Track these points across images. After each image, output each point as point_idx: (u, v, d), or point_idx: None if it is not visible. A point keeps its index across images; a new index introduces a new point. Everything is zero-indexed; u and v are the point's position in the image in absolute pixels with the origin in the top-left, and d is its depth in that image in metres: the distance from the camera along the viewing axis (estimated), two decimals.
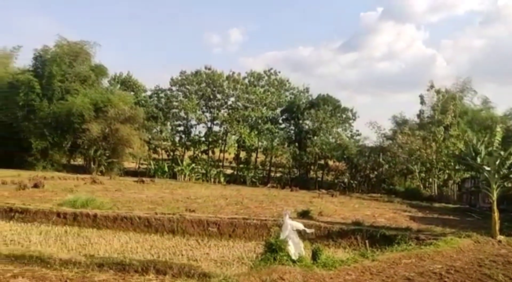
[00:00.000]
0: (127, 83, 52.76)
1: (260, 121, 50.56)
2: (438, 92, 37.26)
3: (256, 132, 49.96)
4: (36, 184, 19.66)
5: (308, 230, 8.08)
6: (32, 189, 18.71)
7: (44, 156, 38.93)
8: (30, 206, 11.28)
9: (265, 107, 51.12)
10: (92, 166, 40.11)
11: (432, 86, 37.51)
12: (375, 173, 41.54)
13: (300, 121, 48.35)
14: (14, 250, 7.04)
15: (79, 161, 46.63)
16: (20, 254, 6.81)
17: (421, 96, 38.55)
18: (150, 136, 45.46)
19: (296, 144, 47.47)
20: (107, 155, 40.04)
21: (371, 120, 49.03)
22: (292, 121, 50.09)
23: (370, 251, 9.16)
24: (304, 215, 14.07)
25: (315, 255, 7.67)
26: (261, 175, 48.73)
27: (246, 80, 51.48)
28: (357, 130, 49.41)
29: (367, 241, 10.98)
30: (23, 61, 48.60)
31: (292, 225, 7.70)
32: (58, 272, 6.32)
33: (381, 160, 39.42)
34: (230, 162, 54.07)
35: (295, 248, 7.41)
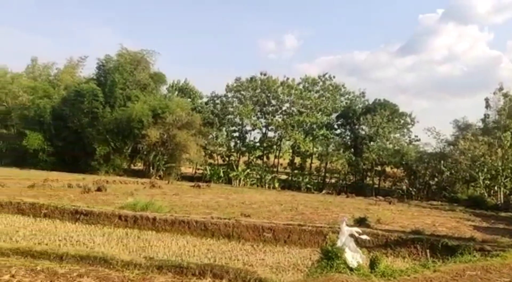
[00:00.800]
0: (184, 90, 54.19)
1: (315, 126, 50.17)
2: (505, 95, 35.23)
3: (311, 138, 49.62)
4: (99, 188, 20.55)
5: (363, 236, 7.86)
6: (96, 192, 19.57)
7: (107, 161, 40.67)
8: (94, 208, 11.78)
9: (320, 113, 50.68)
10: (151, 170, 41.40)
11: (501, 89, 35.47)
12: (435, 180, 39.88)
13: (356, 127, 47.43)
14: (80, 251, 7.38)
15: (139, 166, 48.29)
16: (85, 254, 7.12)
17: (487, 100, 36.54)
18: (206, 142, 46.27)
19: (352, 150, 46.59)
20: (165, 160, 41.18)
21: (430, 125, 47.38)
22: (348, 127, 49.20)
23: (431, 261, 8.77)
24: (361, 222, 13.74)
25: (373, 264, 7.45)
26: (316, 181, 48.24)
27: (301, 86, 51.29)
28: (416, 136, 47.78)
29: (427, 251, 10.55)
30: (88, 70, 51.20)
31: (349, 231, 7.53)
32: (120, 273, 6.55)
33: (442, 166, 37.81)
34: (285, 168, 54.04)
35: (353, 256, 7.23)
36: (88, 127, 40.47)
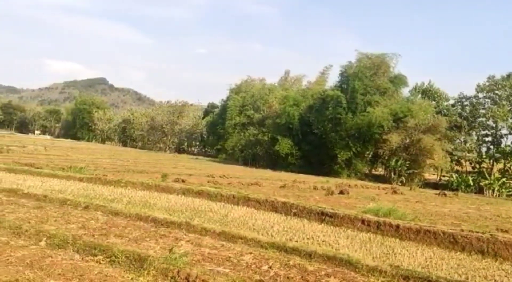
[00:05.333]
0: (428, 93, 51.44)
1: None
2: None
3: None
4: (342, 191, 21.21)
5: None
6: (338, 195, 20.26)
7: (348, 165, 41.81)
8: (338, 211, 12.17)
9: None
10: (393, 176, 40.64)
11: None
12: None
13: None
14: (327, 251, 7.71)
15: (380, 171, 48.04)
16: (332, 255, 7.40)
17: None
18: (452, 147, 42.88)
19: None
20: (407, 165, 39.83)
21: None
22: None
23: None
24: None
25: None
26: None
27: None
28: None
29: None
30: (334, 78, 53.97)
31: None
32: (365, 277, 6.57)
33: None
34: None
35: None
36: (331, 132, 42.42)
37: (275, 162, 46.29)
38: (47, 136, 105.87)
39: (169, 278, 5.66)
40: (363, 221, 11.57)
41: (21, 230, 7.54)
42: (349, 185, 26.38)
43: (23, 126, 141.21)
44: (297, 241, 8.62)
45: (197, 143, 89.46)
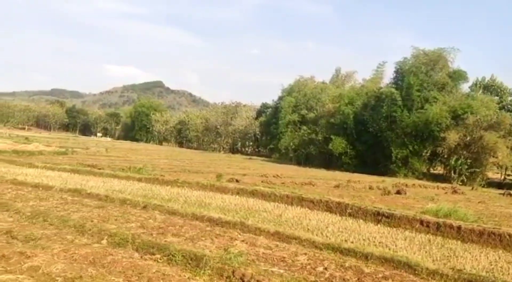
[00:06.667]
0: (490, 88, 49.03)
1: None
2: None
3: None
4: (399, 191, 20.61)
5: None
6: (395, 195, 19.72)
7: (405, 164, 40.62)
8: (395, 211, 11.83)
9: None
10: (452, 175, 39.01)
11: None
12: None
13: None
14: (384, 253, 7.51)
15: (439, 170, 46.33)
16: (389, 257, 7.20)
17: None
18: None
19: None
20: (468, 164, 38.11)
21: None
22: None
23: None
24: None
25: None
26: None
27: None
28: None
29: None
30: (389, 75, 52.73)
31: None
32: (425, 281, 6.35)
33: None
34: None
35: None
36: (386, 131, 41.39)
37: (329, 162, 45.80)
38: (108, 139, 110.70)
39: (224, 277, 5.74)
40: (421, 222, 11.19)
41: (84, 228, 7.91)
42: (406, 185, 25.61)
43: (86, 129, 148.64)
44: (352, 242, 8.47)
45: (251, 143, 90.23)
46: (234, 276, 5.69)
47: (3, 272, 5.16)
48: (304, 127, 53.72)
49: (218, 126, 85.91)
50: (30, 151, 30.62)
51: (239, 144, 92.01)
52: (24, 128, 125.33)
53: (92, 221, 8.72)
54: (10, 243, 6.68)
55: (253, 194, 14.42)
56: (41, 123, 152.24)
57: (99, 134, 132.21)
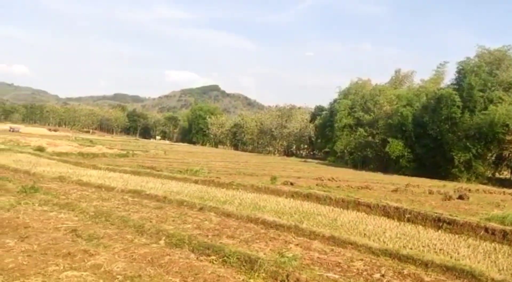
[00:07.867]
0: None
1: None
2: None
3: None
4: (461, 196, 19.67)
5: None
6: (457, 201, 18.83)
7: (468, 168, 38.77)
8: (457, 217, 11.32)
9: None
10: None
11: None
12: None
13: None
14: (445, 261, 7.19)
15: (505, 174, 43.92)
16: (451, 265, 6.88)
17: None
18: None
19: None
20: None
21: None
22: None
23: None
24: None
25: None
26: None
27: None
28: None
29: None
30: (451, 75, 50.83)
31: None
32: None
33: None
34: None
35: None
36: (447, 133, 39.75)
37: (386, 165, 44.58)
38: (166, 141, 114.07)
39: (279, 281, 5.72)
40: (486, 229, 10.63)
41: (143, 228, 8.17)
42: (469, 190, 24.42)
43: (146, 132, 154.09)
44: (411, 249, 8.18)
45: (305, 146, 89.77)
46: (288, 280, 5.65)
47: (69, 269, 5.44)
48: (361, 129, 52.70)
49: (273, 129, 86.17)
50: (94, 153, 32.17)
51: (294, 146, 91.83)
52: (88, 132, 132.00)
53: (151, 222, 8.99)
54: (75, 241, 7.03)
55: (308, 197, 14.31)
56: (104, 126, 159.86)
57: (158, 137, 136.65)
